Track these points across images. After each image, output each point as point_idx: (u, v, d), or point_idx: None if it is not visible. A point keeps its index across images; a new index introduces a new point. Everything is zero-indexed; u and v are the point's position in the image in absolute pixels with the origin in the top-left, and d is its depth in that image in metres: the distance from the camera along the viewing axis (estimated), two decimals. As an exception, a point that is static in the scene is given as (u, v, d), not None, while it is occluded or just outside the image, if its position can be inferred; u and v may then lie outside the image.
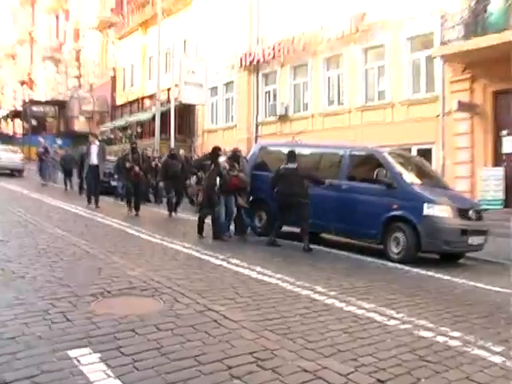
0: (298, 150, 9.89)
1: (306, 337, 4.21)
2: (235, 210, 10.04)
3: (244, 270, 6.78)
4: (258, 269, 6.84)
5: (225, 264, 7.12)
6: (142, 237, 9.27)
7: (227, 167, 9.95)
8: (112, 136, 33.76)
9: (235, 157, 10.46)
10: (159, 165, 16.50)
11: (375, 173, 8.72)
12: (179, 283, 5.70)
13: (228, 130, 24.16)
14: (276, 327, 4.39)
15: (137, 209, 12.64)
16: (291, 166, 9.28)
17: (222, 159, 10.20)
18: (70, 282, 5.41)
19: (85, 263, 6.52)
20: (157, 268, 6.49)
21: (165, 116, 24.22)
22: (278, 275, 6.51)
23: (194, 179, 12.94)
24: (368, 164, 9.51)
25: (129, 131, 31.86)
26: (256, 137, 22.28)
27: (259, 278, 6.36)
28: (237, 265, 7.08)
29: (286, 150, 11.13)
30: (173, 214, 13.11)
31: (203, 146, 24.96)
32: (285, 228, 11.07)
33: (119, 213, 12.14)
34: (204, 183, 9.67)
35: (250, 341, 4.03)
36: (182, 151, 17.46)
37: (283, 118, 20.76)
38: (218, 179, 9.59)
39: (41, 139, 22.84)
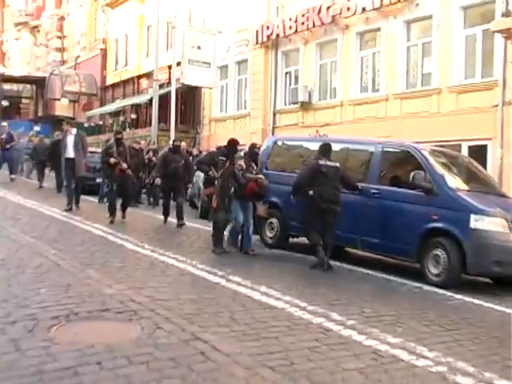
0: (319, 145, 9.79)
1: (312, 377, 4.14)
2: (251, 220, 9.93)
3: (246, 289, 6.76)
4: (263, 289, 6.80)
5: (223, 282, 7.11)
6: (127, 246, 9.28)
7: (243, 167, 9.83)
8: (101, 123, 34.03)
9: (253, 154, 10.33)
10: (154, 160, 16.56)
11: (411, 175, 8.62)
12: (165, 305, 5.69)
13: (240, 119, 24.17)
14: (276, 363, 4.33)
15: (123, 212, 12.60)
16: (331, 163, 9.13)
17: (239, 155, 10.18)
18: (29, 302, 5.39)
19: (51, 278, 6.52)
20: (140, 285, 6.48)
21: (164, 101, 24.35)
22: (287, 297, 6.47)
23: (200, 178, 12.81)
24: (404, 164, 9.46)
25: (121, 118, 32.07)
26: (273, 128, 22.25)
27: (263, 300, 6.32)
28: (238, 283, 7.06)
29: (307, 145, 11.21)
30: (167, 220, 12.91)
31: (210, 138, 25.03)
32: (296, 240, 11.06)
33: (102, 217, 12.16)
34: (217, 184, 9.51)
35: (241, 380, 3.97)
36: (183, 144, 17.43)
37: (306, 106, 20.69)
38: (231, 180, 9.51)
39: (4, 123, 22.71)
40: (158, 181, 13.75)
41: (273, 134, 21.02)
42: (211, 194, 9.68)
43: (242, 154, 10.62)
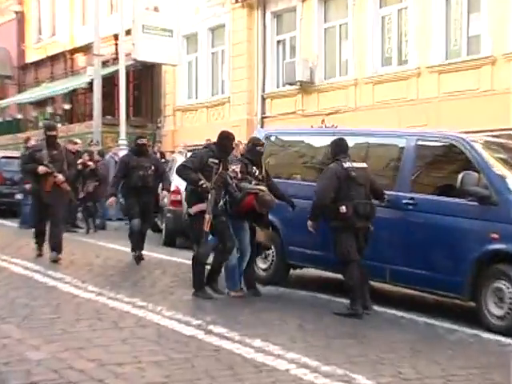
0: (327, 140, 9.82)
1: None
2: (248, 248, 9.80)
3: (233, 344, 6.73)
4: (257, 343, 6.77)
5: (201, 335, 7.07)
6: (62, 289, 9.26)
7: (238, 174, 9.75)
8: (20, 116, 33.93)
9: (254, 154, 10.16)
10: (91, 165, 16.49)
11: (459, 178, 8.56)
12: (118, 371, 5.61)
13: (216, 107, 24.41)
14: None
15: (53, 247, 11.73)
16: (357, 164, 9.14)
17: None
18: None
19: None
20: (81, 345, 6.41)
21: (110, 84, 24.37)
22: (291, 354, 6.42)
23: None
24: (447, 163, 9.51)
25: (49, 109, 32.01)
26: (262, 119, 22.38)
27: (258, 359, 6.25)
28: (221, 336, 7.03)
29: (310, 141, 11.31)
30: (138, 253, 12.28)
31: (174, 134, 25.08)
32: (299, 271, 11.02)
33: (26, 247, 12.06)
34: (210, 199, 9.31)
35: None
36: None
37: (307, 88, 20.83)
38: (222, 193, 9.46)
39: None
40: (112, 200, 13.03)
41: (262, 126, 21.11)
42: (201, 214, 9.43)
43: (237, 154, 10.55)
